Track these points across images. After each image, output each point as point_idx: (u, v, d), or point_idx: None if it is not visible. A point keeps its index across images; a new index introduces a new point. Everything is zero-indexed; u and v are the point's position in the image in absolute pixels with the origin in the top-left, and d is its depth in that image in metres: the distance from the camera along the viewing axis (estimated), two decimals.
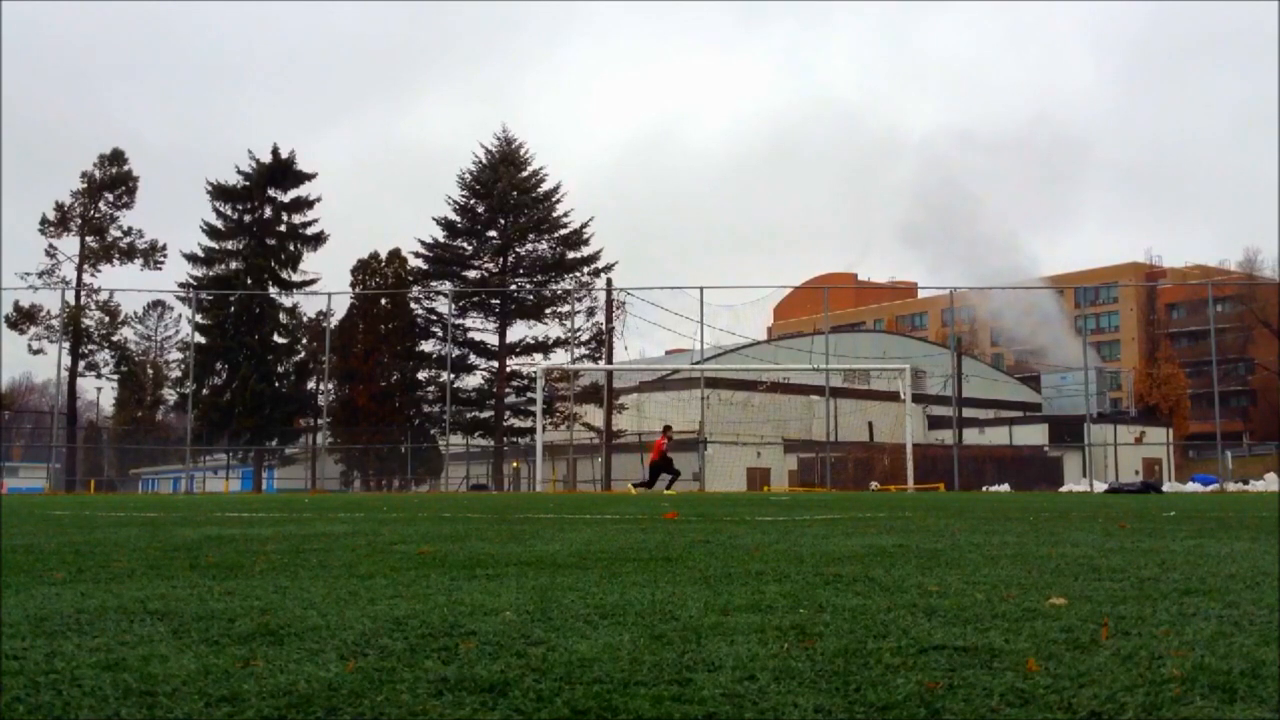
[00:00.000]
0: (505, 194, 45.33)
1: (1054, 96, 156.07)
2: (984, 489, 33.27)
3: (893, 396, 32.32)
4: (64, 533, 5.70)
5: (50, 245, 42.72)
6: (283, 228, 44.59)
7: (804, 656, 1.86)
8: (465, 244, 46.88)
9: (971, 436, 47.19)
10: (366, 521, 6.92)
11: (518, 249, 46.55)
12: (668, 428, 24.76)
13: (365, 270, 45.58)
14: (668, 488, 22.46)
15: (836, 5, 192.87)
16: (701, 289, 33.86)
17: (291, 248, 44.52)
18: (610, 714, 1.48)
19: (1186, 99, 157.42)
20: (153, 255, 43.34)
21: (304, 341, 44.59)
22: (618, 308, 37.69)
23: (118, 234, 43.48)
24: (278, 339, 44.23)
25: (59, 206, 43.15)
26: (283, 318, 44.02)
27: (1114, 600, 2.60)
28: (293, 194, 44.79)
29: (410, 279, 45.75)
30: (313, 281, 44.27)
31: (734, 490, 33.41)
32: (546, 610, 2.43)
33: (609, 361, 37.52)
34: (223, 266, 43.96)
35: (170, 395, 51.02)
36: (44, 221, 42.93)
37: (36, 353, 41.23)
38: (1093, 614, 2.35)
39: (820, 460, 36.92)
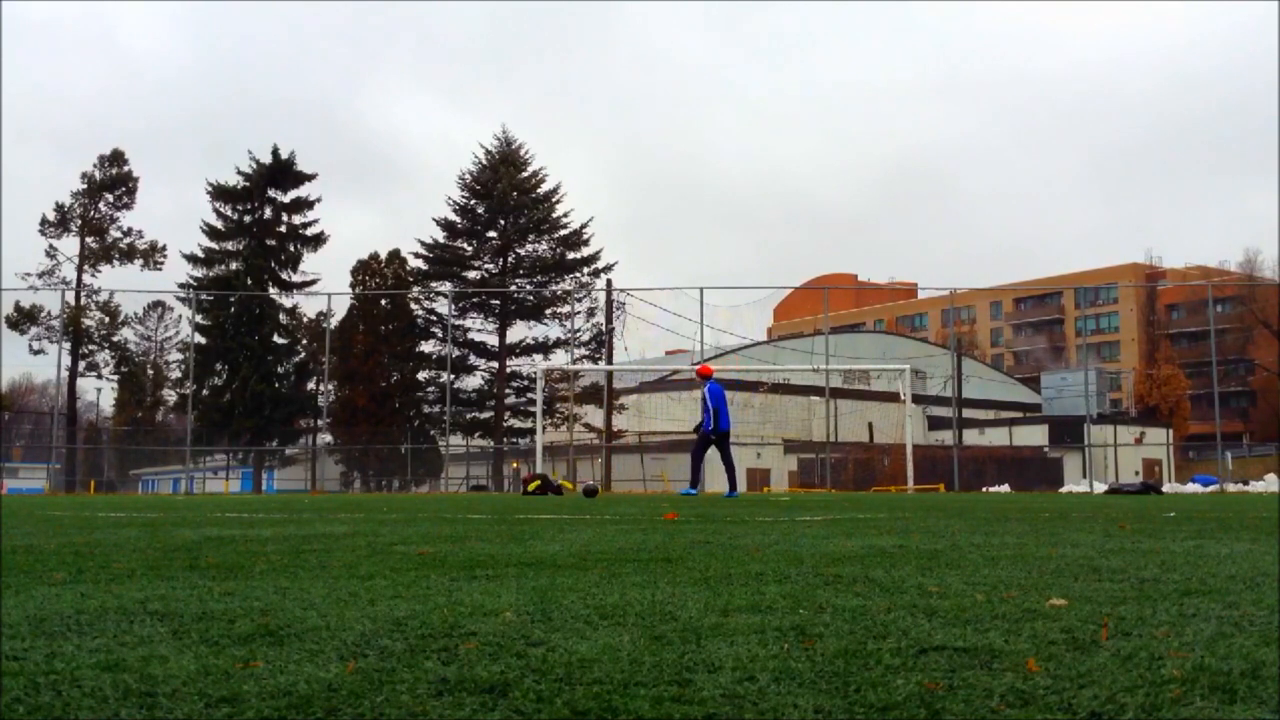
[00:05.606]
0: (505, 195, 45.35)
1: None
2: (984, 490, 33.27)
3: (893, 397, 32.31)
4: (64, 533, 5.70)
5: (50, 246, 42.81)
6: (283, 228, 44.65)
7: (804, 657, 1.86)
8: (465, 245, 46.92)
9: (971, 437, 47.23)
10: (366, 522, 6.93)
11: (518, 249, 46.58)
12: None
13: (365, 271, 45.65)
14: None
15: None
16: (701, 289, 33.91)
17: (291, 248, 44.58)
18: (610, 714, 1.48)
19: None
20: (152, 256, 43.40)
21: (304, 342, 44.62)
22: (617, 308, 37.72)
23: (118, 234, 43.56)
24: (278, 340, 44.27)
25: (59, 207, 43.21)
26: (283, 318, 44.07)
27: (1114, 601, 2.60)
28: (292, 194, 44.86)
29: (410, 279, 45.79)
30: (313, 282, 44.35)
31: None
32: (546, 611, 2.43)
33: (609, 362, 37.54)
34: (223, 267, 44.03)
35: (170, 396, 51.05)
36: (44, 222, 42.99)
37: (37, 353, 41.30)
38: (1093, 614, 2.35)
39: (820, 461, 36.93)
